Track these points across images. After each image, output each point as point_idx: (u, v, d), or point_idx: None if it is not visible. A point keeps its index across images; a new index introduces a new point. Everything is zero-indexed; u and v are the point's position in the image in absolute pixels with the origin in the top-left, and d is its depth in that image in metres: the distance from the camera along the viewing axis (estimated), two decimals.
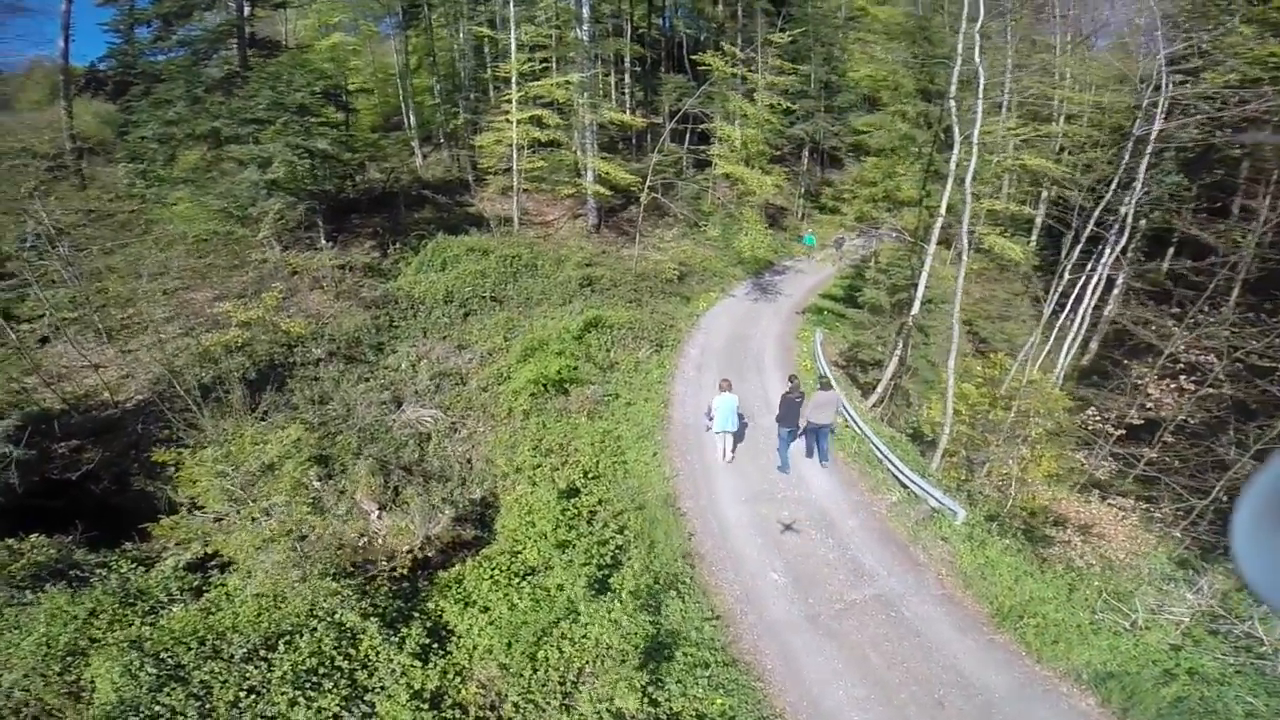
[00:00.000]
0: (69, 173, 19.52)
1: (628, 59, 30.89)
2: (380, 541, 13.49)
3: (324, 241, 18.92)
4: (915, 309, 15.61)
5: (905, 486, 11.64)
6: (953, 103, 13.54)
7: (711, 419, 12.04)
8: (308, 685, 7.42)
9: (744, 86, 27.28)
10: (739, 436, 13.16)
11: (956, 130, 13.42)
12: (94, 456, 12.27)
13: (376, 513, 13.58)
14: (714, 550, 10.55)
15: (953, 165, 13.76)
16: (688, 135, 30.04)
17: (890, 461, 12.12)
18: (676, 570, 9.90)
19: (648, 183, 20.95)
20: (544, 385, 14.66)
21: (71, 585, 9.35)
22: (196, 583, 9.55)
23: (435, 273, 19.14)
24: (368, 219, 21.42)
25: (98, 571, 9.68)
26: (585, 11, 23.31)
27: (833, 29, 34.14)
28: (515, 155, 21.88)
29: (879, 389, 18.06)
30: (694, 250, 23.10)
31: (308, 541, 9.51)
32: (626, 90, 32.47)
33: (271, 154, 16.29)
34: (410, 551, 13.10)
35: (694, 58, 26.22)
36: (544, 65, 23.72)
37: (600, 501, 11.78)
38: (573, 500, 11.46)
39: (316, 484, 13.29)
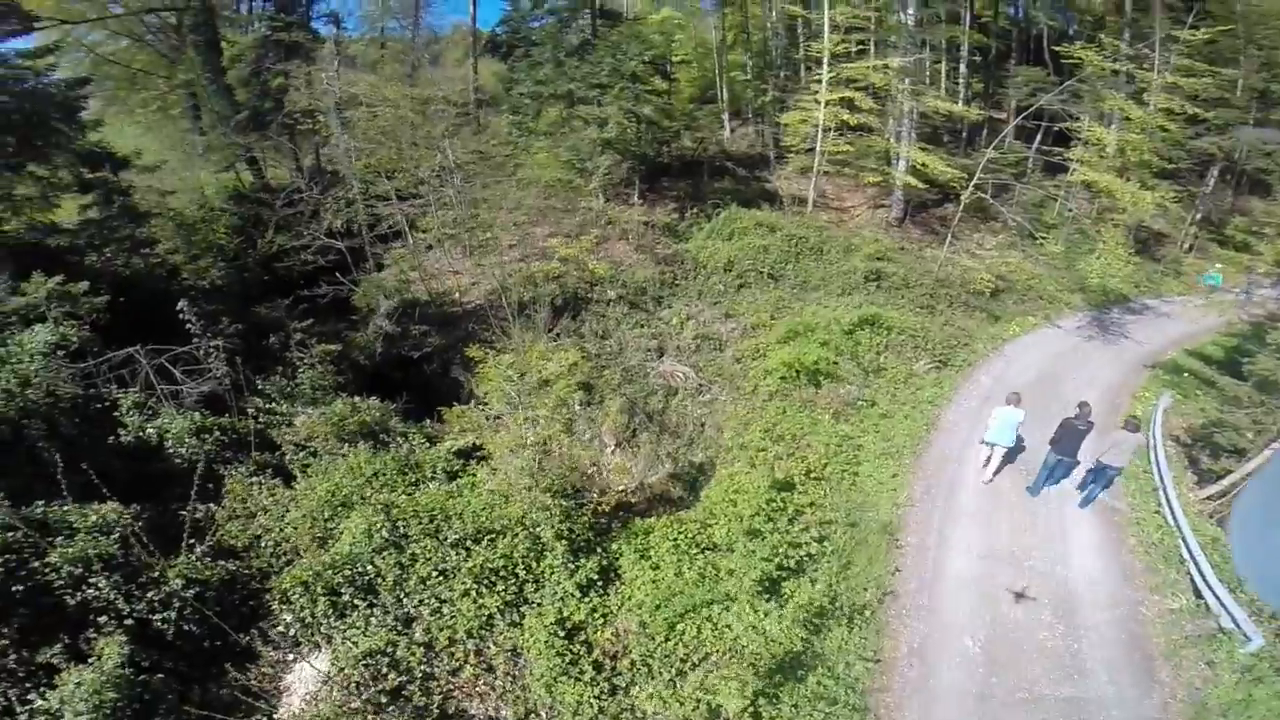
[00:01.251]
0: (470, 119, 25.05)
1: (964, 48, 27.23)
2: (604, 474, 14.93)
3: (636, 199, 20.94)
4: None
5: (1200, 596, 9.25)
6: None
7: (987, 429, 11.14)
8: (484, 582, 8.23)
9: (1128, 86, 21.91)
10: (1009, 459, 11.88)
11: None
12: (434, 341, 15.81)
13: (612, 447, 15.00)
14: (915, 594, 9.48)
15: None
16: (1039, 135, 25.50)
17: (1197, 564, 9.58)
18: (861, 601, 9.15)
19: (974, 180, 18.32)
20: (796, 371, 14.26)
21: (375, 446, 11.31)
22: (457, 467, 11.26)
23: (721, 241, 19.82)
24: (675, 183, 23.07)
25: (397, 439, 11.84)
26: None
27: (1275, 30, 25.22)
28: (820, 136, 21.07)
29: (1225, 481, 13.45)
30: (1020, 265, 19.66)
31: (549, 456, 10.88)
32: (960, 80, 28.81)
33: (607, 116, 18.48)
34: (624, 491, 14.27)
35: (1058, 49, 21.72)
36: (860, 48, 22.19)
37: (812, 504, 11.21)
38: (783, 494, 11.00)
39: (578, 407, 15.21)
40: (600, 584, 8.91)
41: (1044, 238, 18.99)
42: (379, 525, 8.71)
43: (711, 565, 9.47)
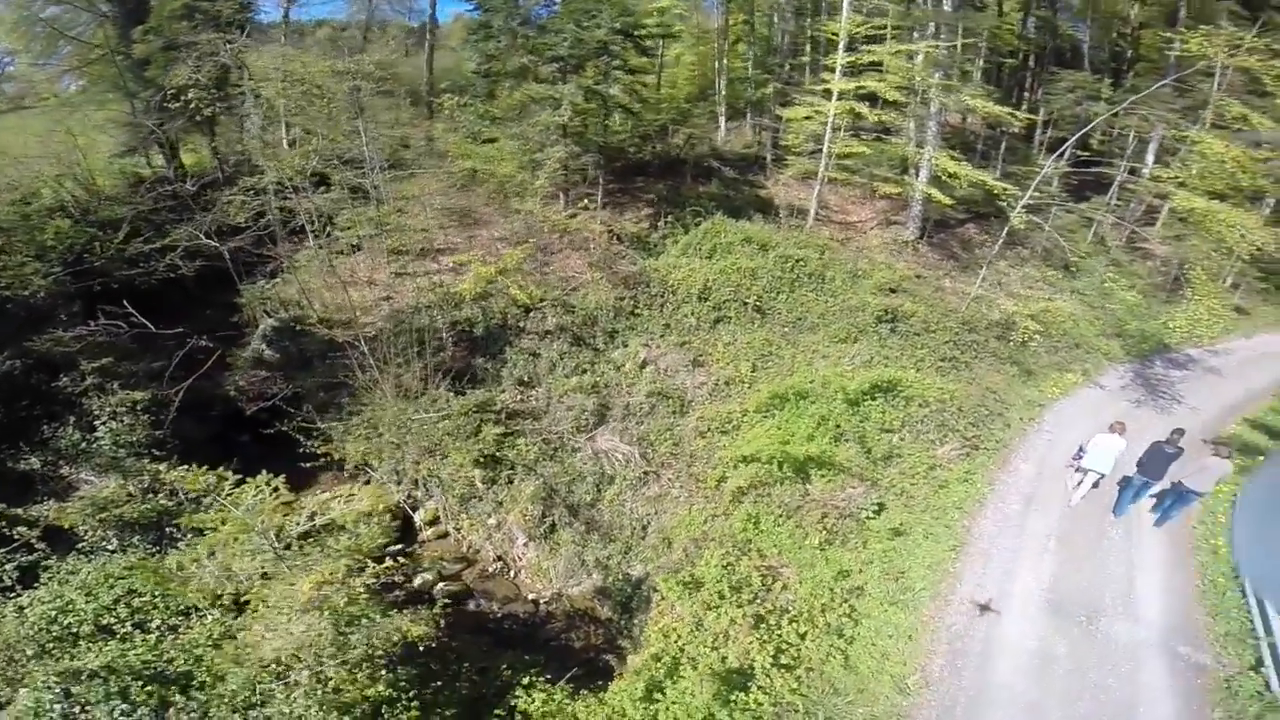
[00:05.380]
0: (423, 105, 19.87)
1: (983, 46, 21.58)
2: (514, 574, 10.06)
3: (600, 200, 15.67)
4: None
5: None
6: None
7: (1080, 457, 9.65)
8: None
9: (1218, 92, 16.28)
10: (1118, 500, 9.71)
11: None
12: (280, 389, 10.74)
13: (524, 541, 10.06)
14: None
15: None
16: (1069, 150, 20.16)
17: None
18: None
19: (1025, 198, 13.02)
20: (779, 464, 9.14)
21: (159, 545, 7.74)
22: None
23: (700, 259, 14.54)
24: (652, 184, 17.69)
25: (190, 535, 7.65)
26: None
27: None
28: (829, 135, 15.62)
29: None
30: (1061, 307, 14.44)
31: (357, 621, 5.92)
32: (976, 85, 23.10)
33: (561, 95, 13.15)
34: (537, 600, 9.56)
35: (1173, 33, 15.89)
36: (880, 33, 16.71)
37: (776, 708, 6.49)
38: (733, 698, 6.32)
39: (480, 485, 10.21)
40: None
41: (1112, 279, 13.67)
42: (48, 707, 5.30)
43: None
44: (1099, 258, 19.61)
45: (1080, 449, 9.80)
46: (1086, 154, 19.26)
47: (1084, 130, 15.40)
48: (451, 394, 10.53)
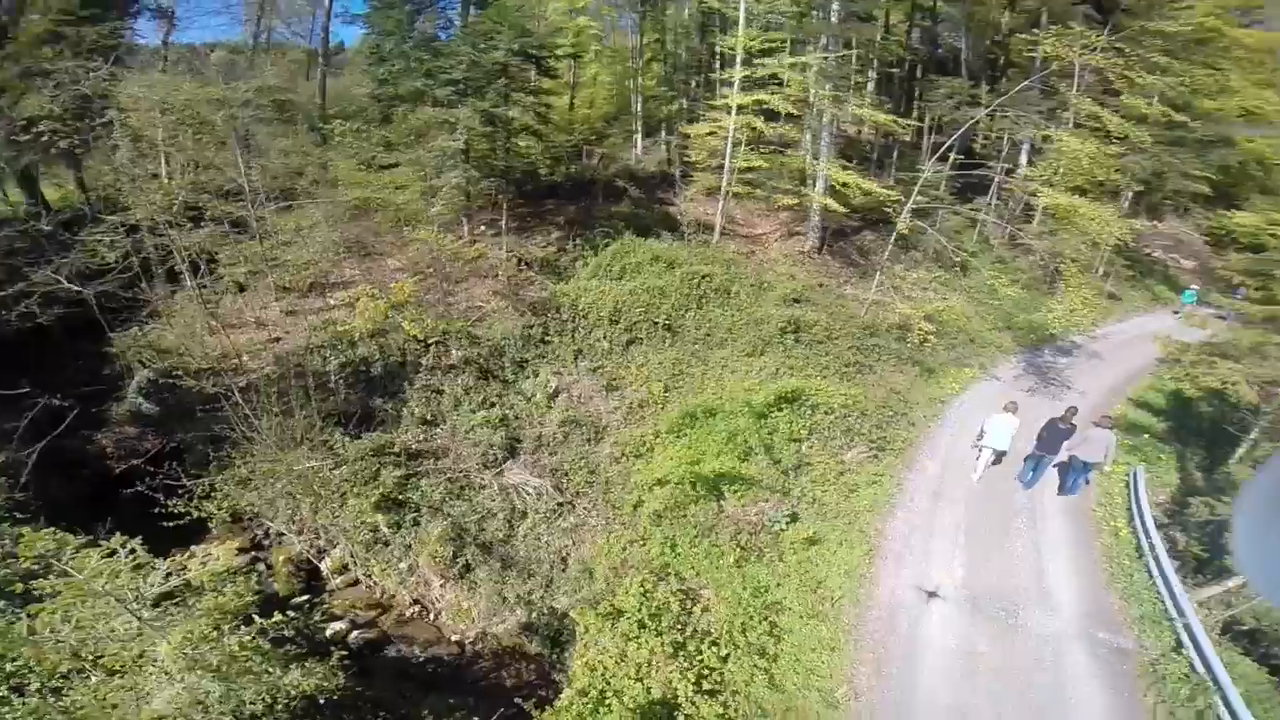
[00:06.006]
0: (314, 130, 18.86)
1: (874, 58, 22.87)
2: (434, 616, 9.50)
3: (506, 225, 15.29)
4: None
5: None
6: None
7: (981, 437, 10.28)
8: None
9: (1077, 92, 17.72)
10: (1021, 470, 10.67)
11: None
12: (149, 445, 9.74)
13: (439, 583, 9.51)
14: None
15: None
16: (951, 154, 21.63)
17: None
18: None
19: (909, 204, 13.73)
20: (692, 483, 9.07)
21: (21, 609, 6.65)
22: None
23: (610, 281, 14.42)
24: (562, 206, 17.48)
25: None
26: None
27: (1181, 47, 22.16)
28: (729, 151, 16.03)
29: (1232, 581, 9.34)
30: (955, 306, 15.25)
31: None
32: (867, 96, 24.44)
33: (457, 119, 12.75)
34: (461, 642, 9.06)
35: (1033, 36, 17.20)
36: (778, 45, 17.43)
37: None
38: None
39: (385, 530, 9.59)
40: None
41: (995, 276, 14.58)
42: None
43: None
44: (984, 256, 21.03)
45: (981, 430, 10.47)
46: (967, 159, 20.67)
47: (960, 134, 16.49)
48: (346, 438, 9.85)
